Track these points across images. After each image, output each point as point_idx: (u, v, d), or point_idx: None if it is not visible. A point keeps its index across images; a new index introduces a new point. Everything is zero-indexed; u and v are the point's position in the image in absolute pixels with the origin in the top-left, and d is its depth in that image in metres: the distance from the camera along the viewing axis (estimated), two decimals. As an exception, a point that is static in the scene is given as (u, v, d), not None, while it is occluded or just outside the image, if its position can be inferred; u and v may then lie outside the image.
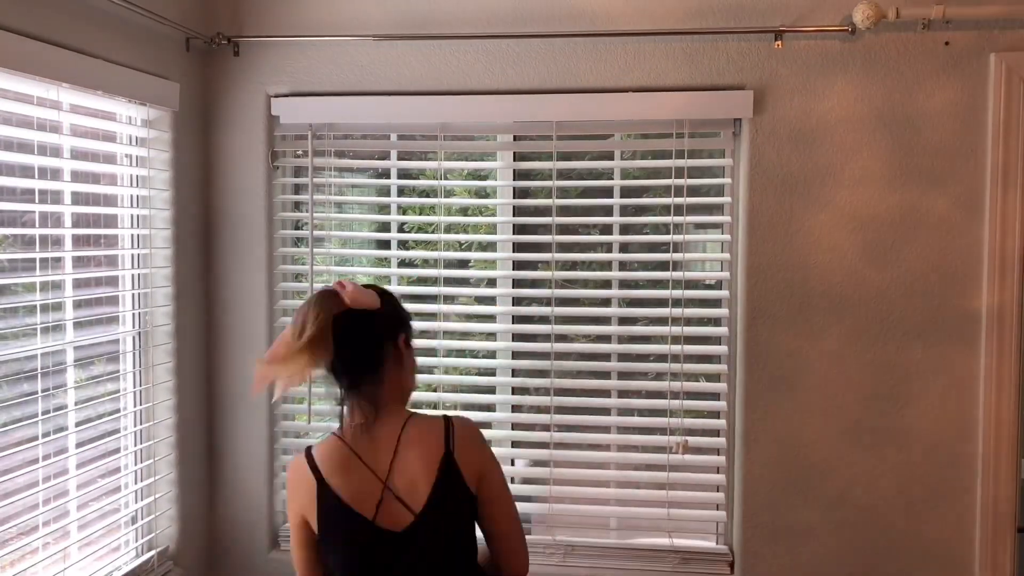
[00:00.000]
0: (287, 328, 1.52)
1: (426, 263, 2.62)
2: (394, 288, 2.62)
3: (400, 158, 2.64)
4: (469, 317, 2.64)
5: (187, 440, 2.55)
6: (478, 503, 1.57)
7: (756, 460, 2.45)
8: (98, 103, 2.22)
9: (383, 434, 1.55)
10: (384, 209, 2.65)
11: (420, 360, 2.60)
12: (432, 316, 2.61)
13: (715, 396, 2.51)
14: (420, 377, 2.61)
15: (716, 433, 2.51)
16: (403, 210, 2.65)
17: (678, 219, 2.48)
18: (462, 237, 2.60)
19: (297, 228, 2.69)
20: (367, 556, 1.52)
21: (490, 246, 2.61)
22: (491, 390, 2.63)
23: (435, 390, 2.63)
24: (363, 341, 1.55)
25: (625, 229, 2.55)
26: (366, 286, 1.61)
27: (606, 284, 2.55)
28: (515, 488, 2.59)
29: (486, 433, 2.58)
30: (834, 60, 2.37)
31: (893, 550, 2.41)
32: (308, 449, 1.59)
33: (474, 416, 2.62)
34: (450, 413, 1.60)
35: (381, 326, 1.58)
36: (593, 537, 2.57)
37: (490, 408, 2.63)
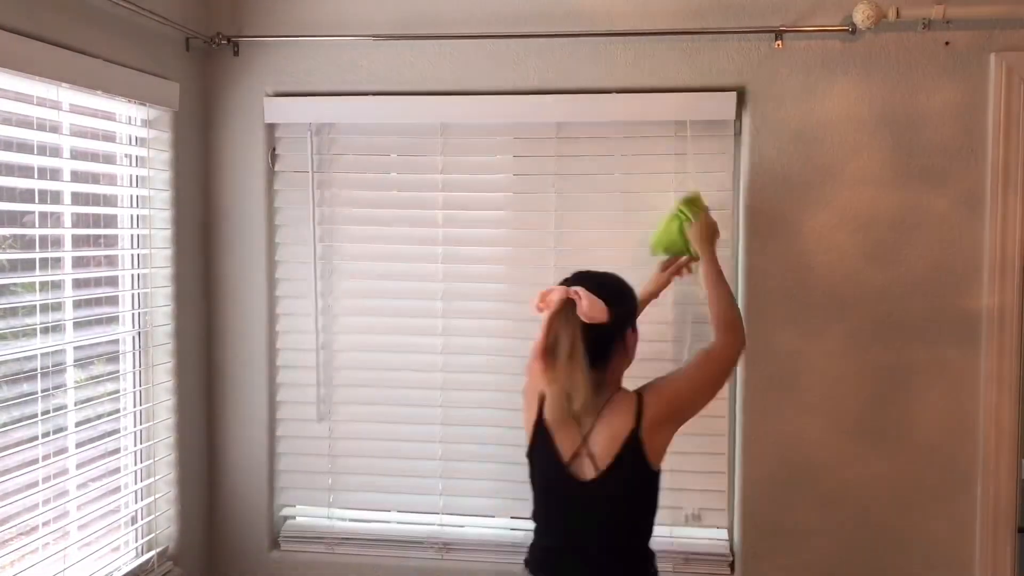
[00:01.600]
0: (539, 343, 1.79)
1: (427, 262, 2.62)
2: (395, 288, 2.62)
3: (400, 158, 2.63)
4: (470, 315, 2.63)
5: (187, 440, 2.55)
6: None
7: (756, 460, 2.45)
8: (98, 103, 2.22)
9: (594, 405, 1.81)
10: (384, 208, 2.65)
11: (424, 360, 2.61)
12: (432, 315, 2.61)
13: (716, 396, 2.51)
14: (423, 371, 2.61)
15: (716, 433, 2.51)
16: (403, 209, 2.65)
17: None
18: (462, 235, 2.60)
19: (297, 228, 2.68)
20: (556, 494, 1.87)
21: (490, 247, 2.61)
22: (491, 391, 2.63)
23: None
24: (599, 343, 1.80)
25: (623, 229, 2.54)
26: (596, 278, 1.86)
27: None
28: (515, 488, 2.59)
29: (490, 448, 2.61)
30: (834, 60, 2.37)
31: (893, 550, 2.41)
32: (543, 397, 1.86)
33: (475, 418, 2.62)
34: (646, 384, 1.88)
35: (613, 327, 1.81)
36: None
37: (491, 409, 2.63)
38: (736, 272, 2.47)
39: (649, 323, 2.50)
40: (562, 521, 1.89)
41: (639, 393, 1.86)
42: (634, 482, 1.84)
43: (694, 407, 1.93)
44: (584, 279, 1.85)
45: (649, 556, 1.94)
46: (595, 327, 1.77)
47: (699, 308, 2.50)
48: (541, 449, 1.87)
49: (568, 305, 1.78)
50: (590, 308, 1.76)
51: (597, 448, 1.81)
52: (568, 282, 1.86)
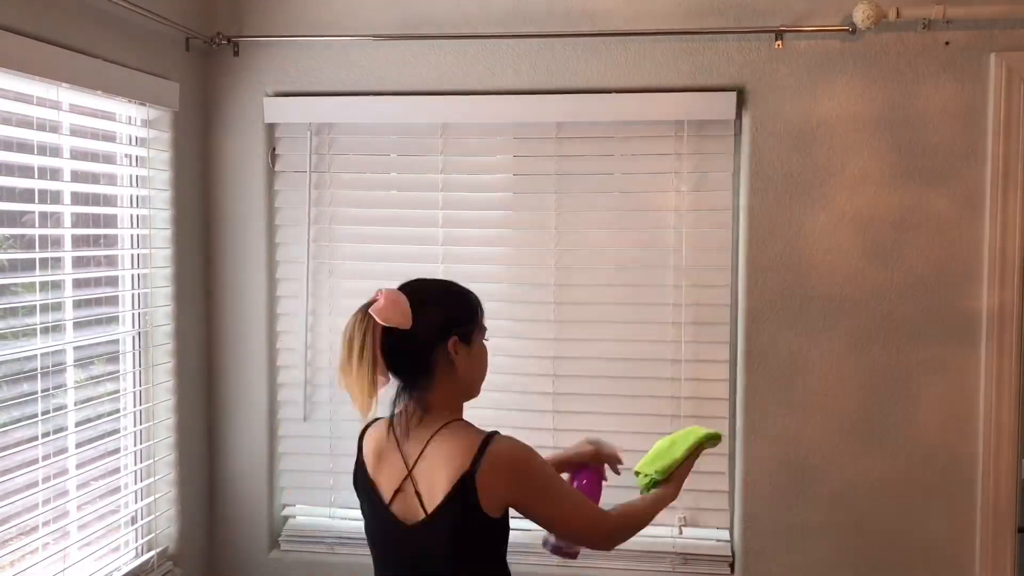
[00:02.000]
0: (341, 345, 1.56)
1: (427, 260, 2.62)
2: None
3: (400, 158, 2.64)
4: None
5: (187, 440, 2.54)
6: (527, 517, 1.59)
7: (756, 460, 2.45)
8: (98, 103, 2.22)
9: (421, 433, 1.57)
10: (384, 208, 2.65)
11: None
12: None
13: (715, 397, 2.51)
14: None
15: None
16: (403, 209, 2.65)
17: (677, 219, 2.48)
18: (462, 234, 2.60)
19: (297, 228, 2.68)
20: (375, 534, 1.65)
21: (490, 246, 2.61)
22: (491, 391, 2.62)
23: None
24: (408, 352, 1.56)
25: (623, 229, 2.54)
26: (416, 283, 1.60)
27: (606, 285, 2.54)
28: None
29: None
30: (834, 60, 2.37)
31: (893, 550, 2.41)
32: (369, 424, 1.66)
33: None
34: (503, 433, 1.57)
35: (427, 336, 1.56)
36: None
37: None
38: (736, 272, 2.47)
39: (649, 323, 2.52)
40: (392, 569, 1.64)
41: (491, 434, 1.55)
42: (465, 530, 1.54)
43: (537, 501, 1.59)
44: (409, 284, 1.61)
45: None
46: (401, 336, 1.53)
47: (696, 308, 2.50)
48: (362, 489, 1.64)
49: (366, 313, 1.55)
50: (384, 309, 1.53)
51: (424, 484, 1.54)
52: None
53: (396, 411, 1.61)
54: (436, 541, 1.54)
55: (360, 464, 1.64)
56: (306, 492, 2.71)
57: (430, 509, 1.53)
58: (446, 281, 1.68)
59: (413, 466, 1.56)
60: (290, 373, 2.68)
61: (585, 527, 1.67)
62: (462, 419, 1.61)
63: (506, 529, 1.61)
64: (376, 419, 1.65)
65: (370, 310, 1.53)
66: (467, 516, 1.53)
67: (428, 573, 1.58)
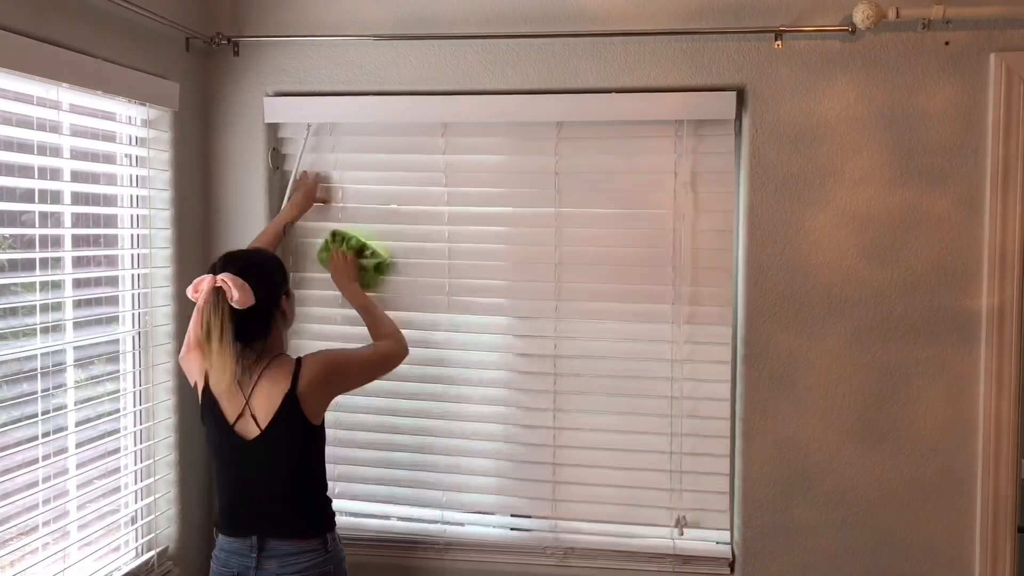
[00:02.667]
0: (193, 327, 2.03)
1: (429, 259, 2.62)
2: (396, 287, 2.62)
3: (400, 158, 2.64)
4: (471, 313, 2.63)
5: (187, 440, 2.54)
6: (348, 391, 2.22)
7: (756, 460, 2.45)
8: (98, 103, 2.22)
9: (255, 369, 2.02)
10: (384, 207, 2.65)
11: (432, 354, 2.61)
12: (435, 311, 2.62)
13: (715, 396, 2.51)
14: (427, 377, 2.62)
15: (717, 434, 2.51)
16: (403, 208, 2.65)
17: (677, 219, 2.48)
18: (462, 234, 2.60)
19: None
20: (226, 454, 2.05)
21: (489, 247, 2.61)
22: (493, 388, 2.63)
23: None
24: (255, 320, 2.00)
25: (623, 229, 2.54)
26: (239, 261, 2.01)
27: (606, 284, 2.54)
28: (519, 487, 2.59)
29: (491, 445, 2.61)
30: (834, 60, 2.37)
31: (893, 550, 2.41)
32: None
33: (478, 414, 2.62)
34: (313, 352, 2.11)
35: (267, 303, 2.01)
36: (594, 537, 2.56)
37: (494, 408, 2.63)
38: (736, 272, 2.47)
39: (649, 322, 2.52)
40: (235, 479, 2.05)
41: (299, 359, 2.06)
42: (293, 436, 2.03)
43: (348, 380, 2.16)
44: (229, 262, 2.01)
45: (323, 502, 2.13)
46: (248, 311, 1.94)
47: (696, 308, 2.50)
48: (209, 414, 2.05)
49: (217, 293, 1.93)
50: (240, 295, 1.92)
51: (258, 409, 2.00)
52: (215, 267, 2.00)
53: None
54: (271, 448, 2.01)
55: (208, 394, 2.04)
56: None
57: (263, 425, 1.99)
58: (258, 252, 2.14)
59: (250, 396, 2.01)
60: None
61: (387, 360, 2.25)
62: (284, 352, 2.10)
63: (324, 432, 2.12)
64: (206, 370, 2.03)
65: (231, 301, 1.91)
66: (294, 425, 2.01)
67: (264, 476, 2.03)
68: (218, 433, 2.04)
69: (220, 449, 2.06)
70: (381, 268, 2.56)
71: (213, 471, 2.13)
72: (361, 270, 2.51)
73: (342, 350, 2.21)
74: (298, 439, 2.05)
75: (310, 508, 2.09)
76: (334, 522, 2.13)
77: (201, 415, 2.09)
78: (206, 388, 2.04)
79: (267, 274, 2.05)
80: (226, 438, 2.03)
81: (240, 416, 2.01)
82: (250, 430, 2.01)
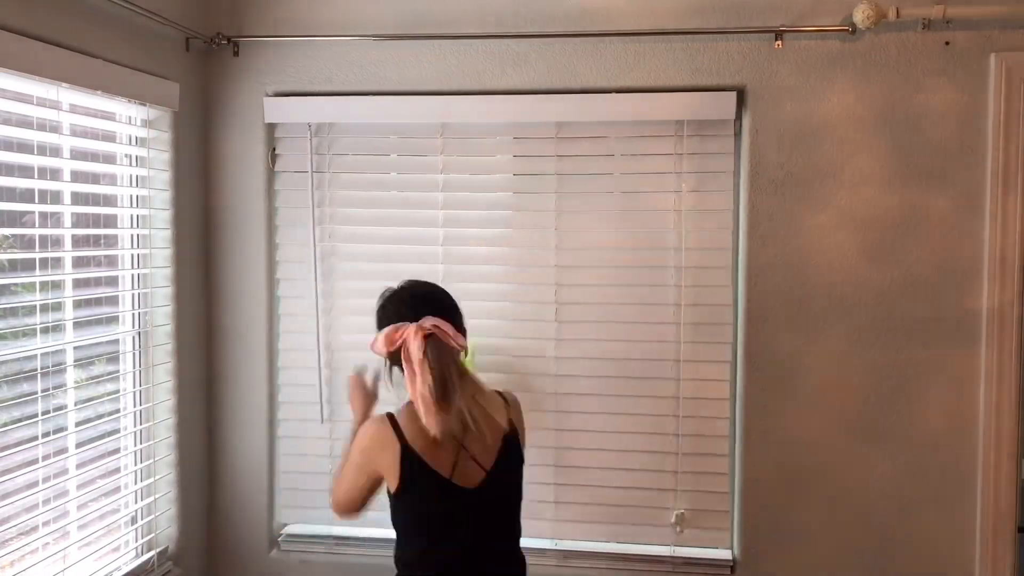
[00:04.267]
0: (420, 384, 1.71)
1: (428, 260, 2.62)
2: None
3: (400, 158, 2.64)
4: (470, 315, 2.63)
5: (187, 440, 2.54)
6: None
7: (756, 460, 2.45)
8: (98, 103, 2.22)
9: (456, 409, 1.75)
10: (384, 208, 2.65)
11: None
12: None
13: (715, 397, 2.51)
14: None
15: (717, 435, 2.51)
16: (403, 208, 2.65)
17: (677, 219, 2.48)
18: (462, 234, 2.60)
19: (296, 228, 2.68)
20: (446, 513, 1.78)
21: (490, 246, 2.61)
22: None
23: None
24: (456, 360, 1.80)
25: (623, 229, 2.54)
26: (429, 299, 1.85)
27: (606, 285, 2.54)
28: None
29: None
30: (834, 60, 2.37)
31: (893, 550, 2.41)
32: (390, 416, 1.80)
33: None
34: (499, 388, 1.93)
35: (461, 343, 1.80)
36: (594, 540, 2.56)
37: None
38: (736, 272, 2.47)
39: (649, 323, 2.52)
40: (457, 536, 1.79)
41: (498, 392, 1.90)
42: (518, 470, 1.87)
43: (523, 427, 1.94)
44: (423, 305, 1.81)
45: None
46: (456, 354, 1.78)
47: (696, 308, 2.50)
48: (417, 480, 1.75)
49: (435, 344, 1.73)
50: (456, 337, 1.77)
51: (478, 449, 1.78)
52: (400, 312, 1.80)
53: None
54: (500, 488, 1.82)
55: (411, 456, 1.74)
56: (307, 494, 2.70)
57: (489, 466, 1.78)
58: (435, 288, 1.92)
59: (463, 438, 1.77)
60: (290, 373, 2.68)
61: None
62: (475, 383, 1.85)
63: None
64: (382, 417, 1.80)
65: (457, 345, 1.76)
66: (516, 457, 1.85)
67: (494, 525, 1.83)
68: (434, 492, 1.76)
69: (440, 511, 1.78)
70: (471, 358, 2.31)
71: (413, 545, 1.82)
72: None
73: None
74: (520, 473, 1.88)
75: (519, 549, 1.92)
76: None
77: (399, 488, 1.76)
78: (405, 448, 1.74)
79: (455, 307, 1.87)
80: (448, 495, 1.75)
81: (456, 464, 1.76)
82: (473, 475, 1.77)
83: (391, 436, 1.75)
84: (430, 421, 1.72)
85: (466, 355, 2.08)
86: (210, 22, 2.58)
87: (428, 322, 1.74)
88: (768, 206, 2.41)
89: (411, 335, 1.73)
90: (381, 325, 1.84)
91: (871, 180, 2.37)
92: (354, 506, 1.86)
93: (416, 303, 1.81)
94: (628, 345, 2.53)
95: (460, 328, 1.83)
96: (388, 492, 1.80)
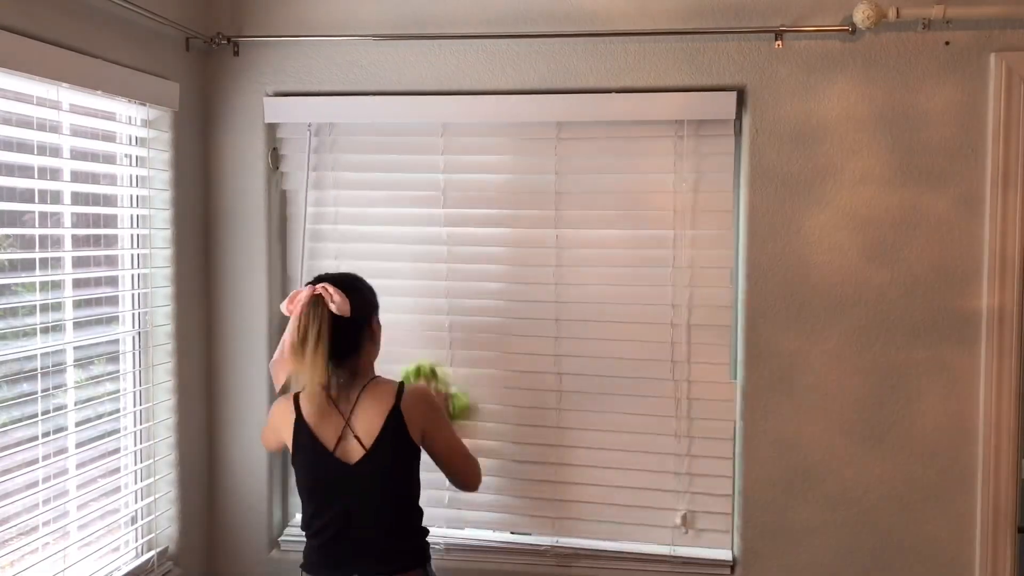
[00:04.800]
0: (289, 334, 1.99)
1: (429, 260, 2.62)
2: (396, 287, 2.62)
3: (400, 158, 2.64)
4: (471, 314, 2.63)
5: (187, 440, 2.55)
6: (428, 450, 2.07)
7: (756, 460, 2.45)
8: (98, 103, 2.22)
9: (350, 393, 2.01)
10: (384, 208, 2.65)
11: (429, 356, 2.61)
12: (435, 313, 2.62)
13: (715, 397, 2.51)
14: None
15: (718, 436, 2.51)
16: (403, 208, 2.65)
17: (677, 219, 2.48)
18: (462, 234, 2.60)
19: (297, 227, 2.68)
20: (326, 482, 1.99)
21: (490, 247, 2.61)
22: (495, 388, 2.63)
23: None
24: (349, 334, 1.99)
25: (623, 229, 2.54)
26: (336, 277, 2.04)
27: (606, 285, 2.54)
28: (521, 487, 2.59)
29: (490, 445, 2.61)
30: (834, 60, 2.37)
31: (893, 550, 2.41)
32: (295, 395, 2.03)
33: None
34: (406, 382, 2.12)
35: (360, 318, 2.02)
36: (594, 540, 2.56)
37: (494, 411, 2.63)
38: (736, 272, 2.47)
39: (649, 323, 2.52)
40: (336, 510, 1.98)
41: (401, 383, 2.05)
42: (399, 456, 2.00)
43: (438, 423, 2.08)
44: (326, 277, 2.04)
45: (421, 532, 2.10)
46: (342, 321, 1.95)
47: (696, 309, 2.50)
48: (305, 445, 2.00)
49: (315, 301, 1.96)
50: (340, 301, 1.94)
51: (361, 429, 1.97)
52: (310, 283, 2.03)
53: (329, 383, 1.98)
54: (377, 469, 1.96)
55: (302, 426, 1.99)
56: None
57: (368, 445, 1.95)
58: (351, 274, 2.11)
59: (350, 416, 1.98)
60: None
61: (468, 460, 2.14)
62: (378, 376, 2.07)
63: (420, 453, 2.05)
64: (295, 394, 2.02)
65: (332, 306, 1.93)
66: (399, 443, 1.98)
67: (368, 501, 1.97)
68: (315, 462, 1.99)
69: (318, 479, 2.00)
70: (463, 409, 2.48)
71: (305, 510, 2.05)
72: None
73: (447, 426, 2.16)
74: (402, 459, 2.01)
75: (412, 537, 2.06)
76: (429, 553, 2.10)
77: (293, 454, 2.04)
78: (298, 420, 2.00)
79: (363, 290, 2.07)
80: (326, 466, 1.98)
81: (340, 439, 1.97)
82: (353, 452, 1.97)
83: (290, 409, 2.02)
84: (280, 366, 2.04)
85: (457, 407, 2.45)
86: (210, 22, 2.58)
87: (320, 285, 1.97)
88: (768, 206, 2.41)
89: (303, 294, 1.97)
90: None
91: (871, 180, 2.37)
92: (268, 447, 2.29)
93: (320, 278, 2.04)
94: (628, 345, 2.53)
95: (362, 305, 2.02)
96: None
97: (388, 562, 1.99)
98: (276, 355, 2.10)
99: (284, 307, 2.01)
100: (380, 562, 1.98)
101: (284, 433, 2.05)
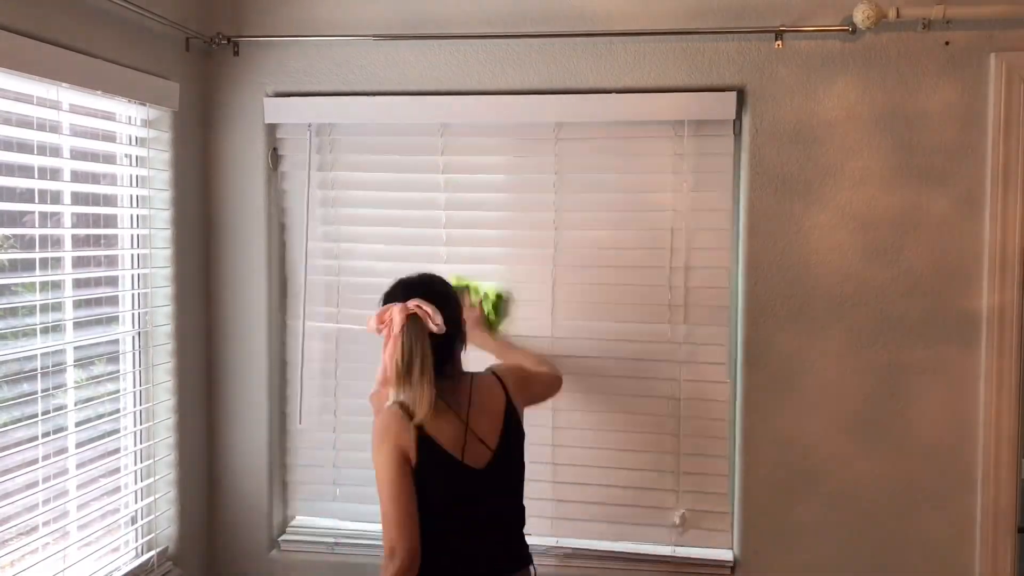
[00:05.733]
0: (390, 359, 1.86)
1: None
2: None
3: (400, 158, 2.64)
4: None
5: (187, 440, 2.55)
6: (529, 403, 2.09)
7: (756, 460, 2.45)
8: (98, 103, 2.22)
9: (460, 394, 1.94)
10: (384, 208, 2.65)
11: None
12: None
13: (715, 398, 2.51)
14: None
15: (716, 435, 2.51)
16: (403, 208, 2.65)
17: (677, 219, 2.48)
18: (462, 234, 2.60)
19: (297, 228, 2.68)
20: (456, 492, 1.89)
21: (489, 246, 2.61)
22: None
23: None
24: (446, 344, 1.93)
25: (623, 229, 2.54)
26: (422, 286, 1.97)
27: (606, 285, 2.54)
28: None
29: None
30: (834, 60, 2.37)
31: (893, 550, 2.41)
32: (404, 407, 1.88)
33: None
34: (490, 367, 2.09)
35: (453, 331, 1.94)
36: (593, 540, 2.56)
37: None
38: (736, 272, 2.47)
39: (649, 323, 2.52)
40: (471, 521, 1.91)
41: (491, 371, 2.04)
42: (519, 449, 1.99)
43: (534, 387, 2.13)
44: (412, 289, 1.95)
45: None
46: (439, 338, 1.88)
47: (696, 308, 2.50)
48: (435, 462, 1.86)
49: (412, 320, 1.86)
50: (441, 323, 1.87)
51: (483, 431, 1.92)
52: (393, 296, 1.95)
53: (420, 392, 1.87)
54: (505, 466, 1.94)
55: (425, 440, 1.85)
56: (308, 486, 2.70)
57: (494, 446, 1.91)
58: (431, 276, 2.04)
59: (468, 422, 1.91)
60: (289, 373, 2.68)
61: (551, 374, 2.22)
62: (469, 371, 2.02)
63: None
64: (392, 407, 1.89)
65: (432, 326, 1.85)
66: (517, 435, 1.97)
67: (500, 501, 1.95)
68: (449, 475, 1.87)
69: (457, 494, 1.89)
70: (500, 310, 2.51)
71: (432, 531, 1.85)
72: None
73: (517, 363, 2.20)
74: (521, 451, 1.99)
75: (524, 534, 2.02)
76: None
77: (418, 472, 1.85)
78: (421, 436, 1.85)
79: (451, 295, 2.01)
80: (459, 476, 1.88)
81: (465, 445, 1.89)
82: (480, 456, 1.90)
83: (407, 424, 1.86)
84: (386, 391, 1.91)
85: (494, 310, 2.46)
86: (210, 22, 2.58)
87: (413, 302, 1.88)
88: (768, 206, 2.41)
89: (395, 313, 1.87)
90: None
91: (871, 180, 2.37)
92: (413, 521, 1.82)
93: (406, 289, 1.96)
94: (627, 344, 2.52)
95: (454, 316, 1.95)
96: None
97: (520, 558, 1.97)
98: (378, 381, 1.96)
99: (372, 326, 1.91)
100: (512, 559, 1.96)
101: (408, 449, 1.87)
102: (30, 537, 2.01)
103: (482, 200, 2.60)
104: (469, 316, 2.27)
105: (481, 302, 2.46)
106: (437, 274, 2.06)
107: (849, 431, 2.41)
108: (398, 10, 2.52)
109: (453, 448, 1.87)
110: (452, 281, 2.32)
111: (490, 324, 2.46)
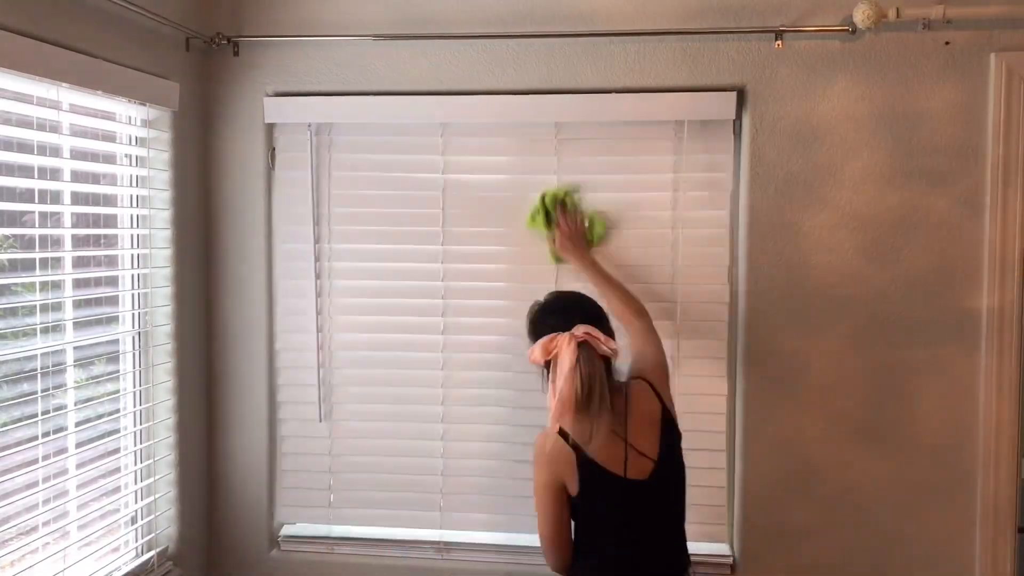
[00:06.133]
0: (568, 389, 1.83)
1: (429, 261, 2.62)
2: (396, 288, 2.62)
3: (400, 158, 2.63)
4: (471, 314, 2.63)
5: (187, 440, 2.54)
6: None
7: (756, 460, 2.45)
8: (98, 103, 2.22)
9: (616, 406, 1.89)
10: (384, 208, 2.65)
11: (425, 359, 2.61)
12: (434, 314, 2.62)
13: (714, 396, 2.51)
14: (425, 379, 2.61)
15: (715, 432, 2.51)
16: (404, 208, 2.65)
17: (677, 219, 2.48)
18: (462, 235, 2.60)
19: (297, 228, 2.68)
20: (622, 510, 1.89)
21: (489, 245, 2.61)
22: (493, 388, 2.63)
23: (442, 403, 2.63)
24: (609, 367, 1.95)
25: (623, 229, 2.54)
26: (578, 307, 2.01)
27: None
28: (514, 486, 2.59)
29: (486, 447, 2.61)
30: (834, 60, 2.37)
31: (893, 550, 2.42)
32: (562, 432, 1.89)
33: (475, 415, 2.62)
34: (631, 370, 2.05)
35: (615, 349, 1.94)
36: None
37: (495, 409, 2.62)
38: (736, 272, 2.47)
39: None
40: (639, 535, 1.90)
41: (638, 377, 1.99)
42: (679, 452, 1.95)
43: (667, 379, 2.07)
44: (569, 314, 1.94)
45: None
46: (607, 359, 1.90)
47: (696, 308, 2.50)
48: (598, 486, 1.87)
49: (585, 350, 1.85)
50: (608, 342, 1.88)
51: (642, 443, 1.88)
52: (538, 320, 1.99)
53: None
54: (667, 475, 1.91)
55: (587, 464, 1.85)
56: (306, 491, 2.70)
57: (654, 456, 1.88)
58: (576, 295, 2.09)
59: (627, 437, 1.88)
60: (289, 374, 2.68)
61: (652, 329, 2.17)
62: (621, 382, 1.99)
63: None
64: (548, 432, 1.92)
65: (608, 351, 1.87)
66: (675, 441, 1.94)
67: (665, 509, 1.93)
68: (613, 496, 1.87)
69: (625, 513, 1.89)
70: (601, 229, 2.47)
71: (599, 547, 1.90)
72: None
73: (647, 350, 2.09)
74: (681, 453, 1.97)
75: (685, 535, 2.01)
76: None
77: (581, 497, 1.88)
78: (582, 460, 1.86)
79: (604, 317, 2.02)
80: (624, 494, 1.87)
81: (626, 460, 1.88)
82: (643, 468, 1.88)
83: (566, 448, 1.87)
84: (565, 422, 1.86)
85: (594, 229, 2.43)
86: (210, 22, 2.58)
87: (580, 330, 1.87)
88: (768, 206, 2.41)
89: (564, 343, 1.85)
90: (535, 337, 1.98)
91: (871, 180, 2.37)
92: (563, 539, 1.93)
93: (567, 313, 1.95)
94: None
95: (608, 332, 1.96)
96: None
97: (679, 564, 1.97)
98: (553, 417, 1.90)
99: (536, 356, 1.91)
100: (672, 564, 1.95)
101: (567, 478, 1.89)
102: (30, 537, 2.00)
103: (482, 200, 2.60)
104: (565, 231, 2.33)
105: (583, 219, 2.42)
106: (573, 291, 2.11)
107: (849, 431, 2.41)
108: (398, 10, 2.52)
109: (615, 466, 1.86)
110: (548, 194, 2.41)
111: (589, 243, 2.44)
